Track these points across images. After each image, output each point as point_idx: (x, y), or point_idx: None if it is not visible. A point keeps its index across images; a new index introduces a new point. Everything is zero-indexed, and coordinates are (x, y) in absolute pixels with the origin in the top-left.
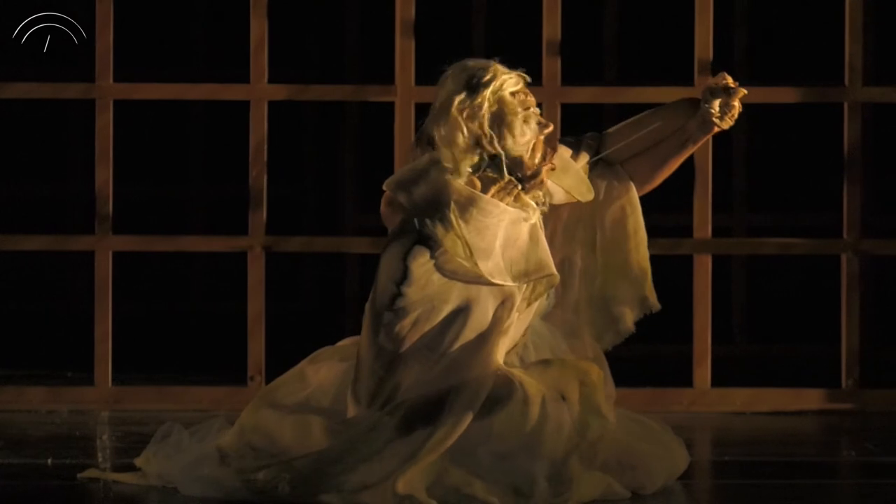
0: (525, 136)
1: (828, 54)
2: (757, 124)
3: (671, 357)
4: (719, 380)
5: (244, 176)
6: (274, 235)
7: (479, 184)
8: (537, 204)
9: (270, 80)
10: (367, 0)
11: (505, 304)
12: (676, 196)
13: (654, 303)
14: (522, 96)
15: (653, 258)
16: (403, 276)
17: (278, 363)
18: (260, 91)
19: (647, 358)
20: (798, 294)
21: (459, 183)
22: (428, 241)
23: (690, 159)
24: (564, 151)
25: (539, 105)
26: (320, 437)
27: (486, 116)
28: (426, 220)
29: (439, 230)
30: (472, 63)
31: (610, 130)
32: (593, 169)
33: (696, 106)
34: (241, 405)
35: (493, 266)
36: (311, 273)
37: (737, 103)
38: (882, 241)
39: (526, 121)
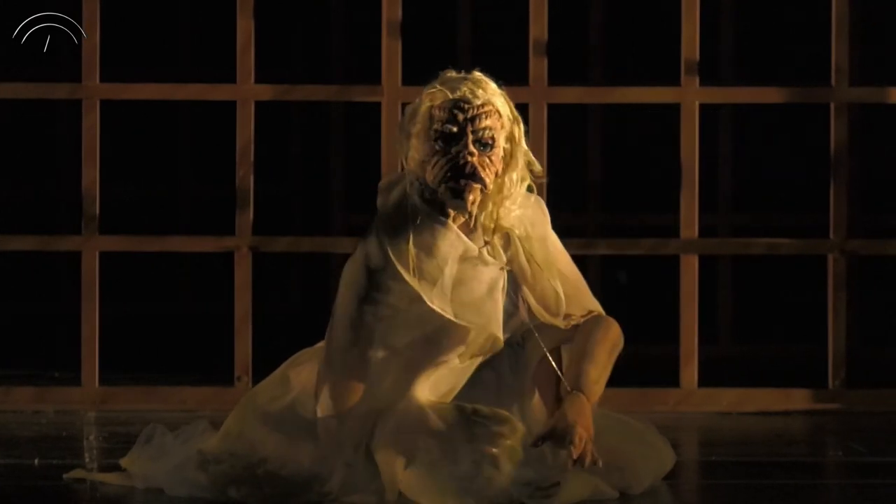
0: (419, 151)
1: (814, 55)
2: (743, 124)
3: (658, 357)
4: (706, 380)
5: (231, 176)
6: (261, 236)
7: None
8: (486, 243)
9: (257, 81)
10: (354, 0)
11: (447, 338)
12: (662, 196)
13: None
14: (441, 113)
15: (640, 258)
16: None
17: (265, 363)
18: (246, 91)
19: (633, 358)
20: (784, 294)
21: (416, 199)
22: (385, 261)
23: (676, 158)
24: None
25: (525, 105)
26: (308, 463)
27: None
28: (388, 232)
29: (399, 244)
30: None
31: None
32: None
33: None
34: (227, 405)
35: (436, 293)
36: (298, 273)
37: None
38: (868, 241)
39: (438, 138)
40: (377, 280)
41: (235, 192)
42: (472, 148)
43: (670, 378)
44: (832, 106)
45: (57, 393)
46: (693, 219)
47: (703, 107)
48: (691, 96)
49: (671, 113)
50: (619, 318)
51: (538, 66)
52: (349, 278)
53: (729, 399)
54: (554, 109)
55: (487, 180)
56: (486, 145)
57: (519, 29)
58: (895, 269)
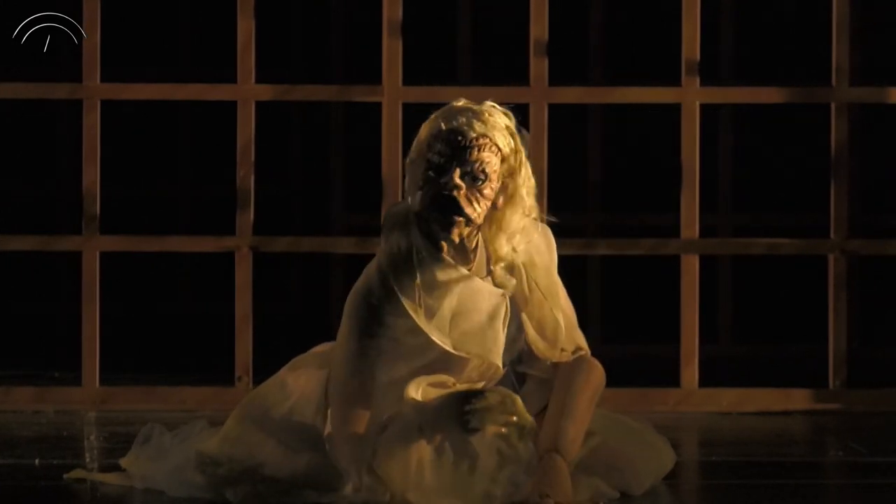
0: (415, 178)
1: (815, 54)
2: (743, 124)
3: (658, 357)
4: (706, 380)
5: (231, 176)
6: (261, 236)
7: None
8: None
9: (257, 81)
10: (354, 0)
11: (447, 367)
12: (663, 196)
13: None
14: (436, 143)
15: (639, 258)
16: (370, 321)
17: (265, 364)
18: (247, 91)
19: (634, 358)
20: (785, 294)
21: (416, 231)
22: (388, 296)
23: (677, 157)
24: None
25: (526, 105)
26: (305, 469)
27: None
28: (392, 267)
29: (402, 280)
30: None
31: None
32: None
33: None
34: (228, 406)
35: (435, 326)
36: (298, 273)
37: None
38: (869, 240)
39: (429, 168)
40: (379, 314)
41: (236, 192)
42: (457, 181)
43: (670, 378)
44: (832, 106)
45: (57, 393)
46: (693, 219)
47: (703, 107)
48: (692, 96)
49: (672, 113)
50: (618, 318)
51: (539, 66)
52: (351, 311)
53: (729, 399)
54: (554, 109)
55: (473, 214)
56: (476, 178)
57: (519, 29)
58: (895, 268)
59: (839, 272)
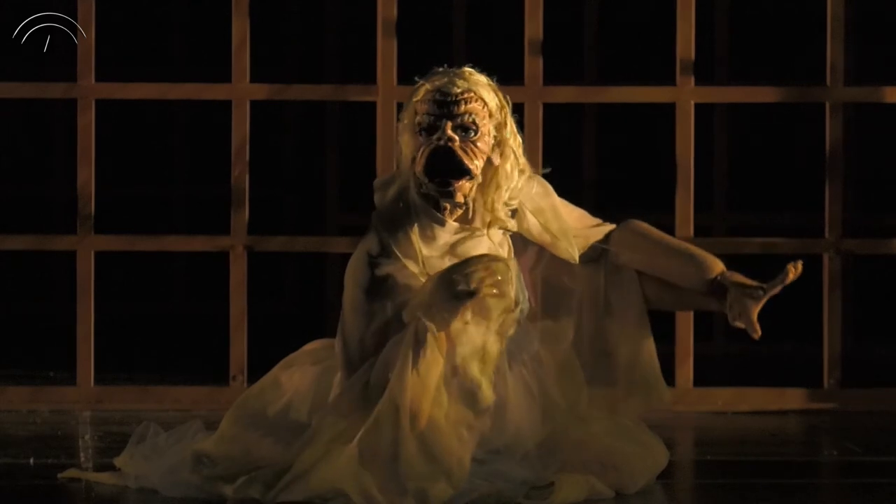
0: (409, 146)
1: (809, 54)
2: (738, 123)
3: None
4: (701, 379)
5: (226, 175)
6: (256, 235)
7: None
8: (487, 225)
9: (252, 80)
10: None
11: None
12: (658, 195)
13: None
14: (423, 105)
15: None
16: (370, 282)
17: (260, 363)
18: (241, 90)
19: None
20: (779, 293)
21: (414, 195)
22: (384, 251)
23: (672, 157)
24: (548, 199)
25: (521, 104)
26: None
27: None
28: (385, 225)
29: (397, 235)
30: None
31: (632, 232)
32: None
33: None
34: (223, 405)
35: None
36: (293, 273)
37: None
38: (863, 240)
39: (421, 130)
40: (380, 273)
41: (230, 192)
42: (450, 133)
43: (665, 377)
44: (827, 105)
45: (52, 392)
46: (688, 218)
47: (698, 106)
48: (686, 96)
49: (666, 112)
50: None
51: (533, 66)
52: (351, 273)
53: (724, 398)
54: (549, 108)
55: (471, 166)
56: (468, 130)
57: (514, 28)
58: (890, 268)
59: (833, 271)
